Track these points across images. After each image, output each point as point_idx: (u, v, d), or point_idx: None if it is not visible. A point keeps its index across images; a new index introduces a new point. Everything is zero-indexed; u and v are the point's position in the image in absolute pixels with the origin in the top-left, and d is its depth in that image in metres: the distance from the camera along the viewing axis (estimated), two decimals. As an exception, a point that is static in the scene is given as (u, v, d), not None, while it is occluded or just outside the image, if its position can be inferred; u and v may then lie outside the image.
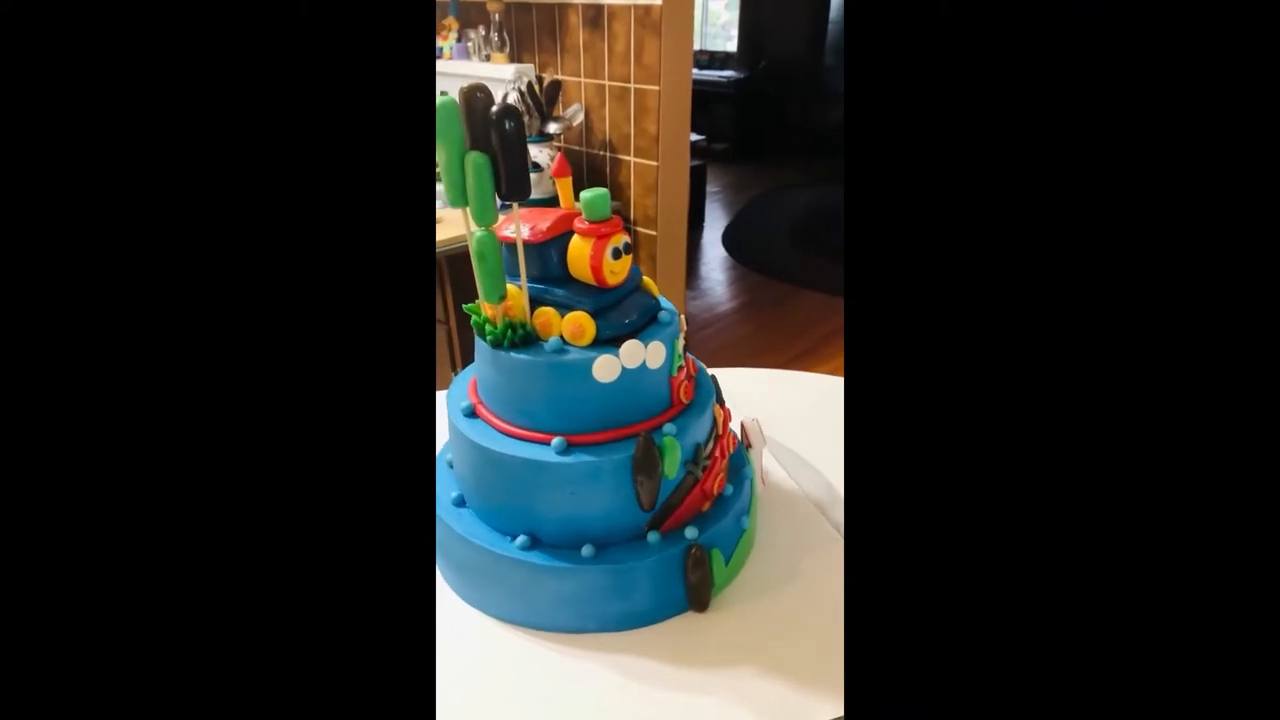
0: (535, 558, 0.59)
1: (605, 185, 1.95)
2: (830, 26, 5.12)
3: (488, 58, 2.02)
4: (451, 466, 0.68)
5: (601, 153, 1.94)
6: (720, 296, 3.13)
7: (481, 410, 0.62)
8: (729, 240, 3.71)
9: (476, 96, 0.51)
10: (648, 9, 1.67)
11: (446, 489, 0.66)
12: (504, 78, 1.90)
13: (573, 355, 0.57)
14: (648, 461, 0.57)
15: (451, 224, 1.62)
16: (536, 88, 1.82)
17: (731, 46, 5.57)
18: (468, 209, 0.55)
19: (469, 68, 2.02)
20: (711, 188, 4.43)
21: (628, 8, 1.71)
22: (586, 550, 0.59)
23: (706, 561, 0.60)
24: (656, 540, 0.60)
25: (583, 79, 1.90)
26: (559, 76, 1.94)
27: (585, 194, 0.56)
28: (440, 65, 2.10)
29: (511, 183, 0.53)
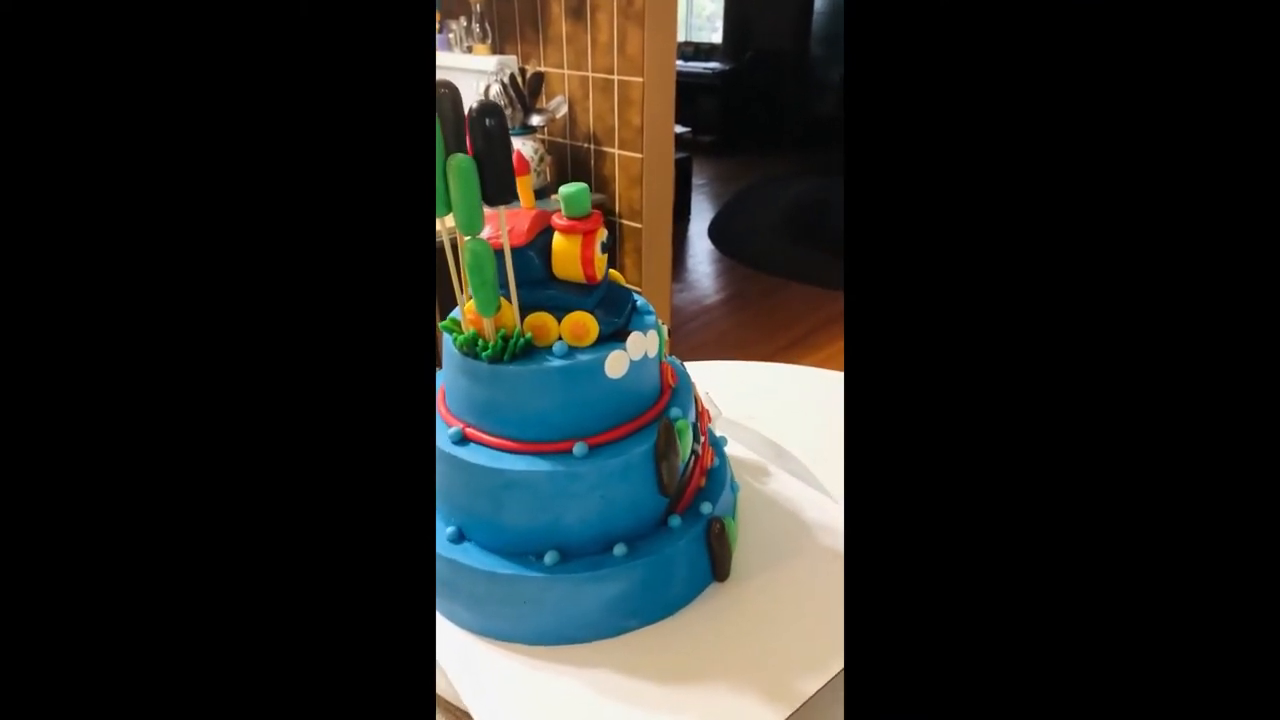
0: (572, 570, 0.57)
1: (589, 178, 1.94)
2: (815, 17, 5.11)
3: (469, 49, 2.00)
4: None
5: (586, 145, 1.93)
6: (707, 289, 3.13)
7: (474, 434, 0.58)
8: (715, 233, 3.71)
9: (441, 94, 0.47)
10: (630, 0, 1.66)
11: (438, 529, 0.61)
12: (486, 69, 1.88)
13: (583, 357, 0.55)
14: (670, 448, 0.58)
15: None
16: (519, 80, 1.80)
17: (717, 38, 5.55)
18: (446, 218, 0.51)
19: (451, 59, 2.00)
20: (698, 180, 4.42)
21: (610, -2, 1.69)
22: (619, 550, 0.58)
23: (725, 531, 0.62)
24: (679, 523, 0.61)
25: (566, 70, 1.88)
26: (542, 68, 1.92)
27: (565, 189, 0.55)
28: (421, 57, 2.08)
29: (496, 185, 0.50)
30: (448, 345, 0.58)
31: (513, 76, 1.78)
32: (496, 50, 2.02)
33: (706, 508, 0.62)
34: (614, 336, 0.57)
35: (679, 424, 0.59)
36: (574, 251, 0.55)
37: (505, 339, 0.54)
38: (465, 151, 0.49)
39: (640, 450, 0.57)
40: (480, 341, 0.55)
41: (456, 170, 0.49)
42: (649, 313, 0.61)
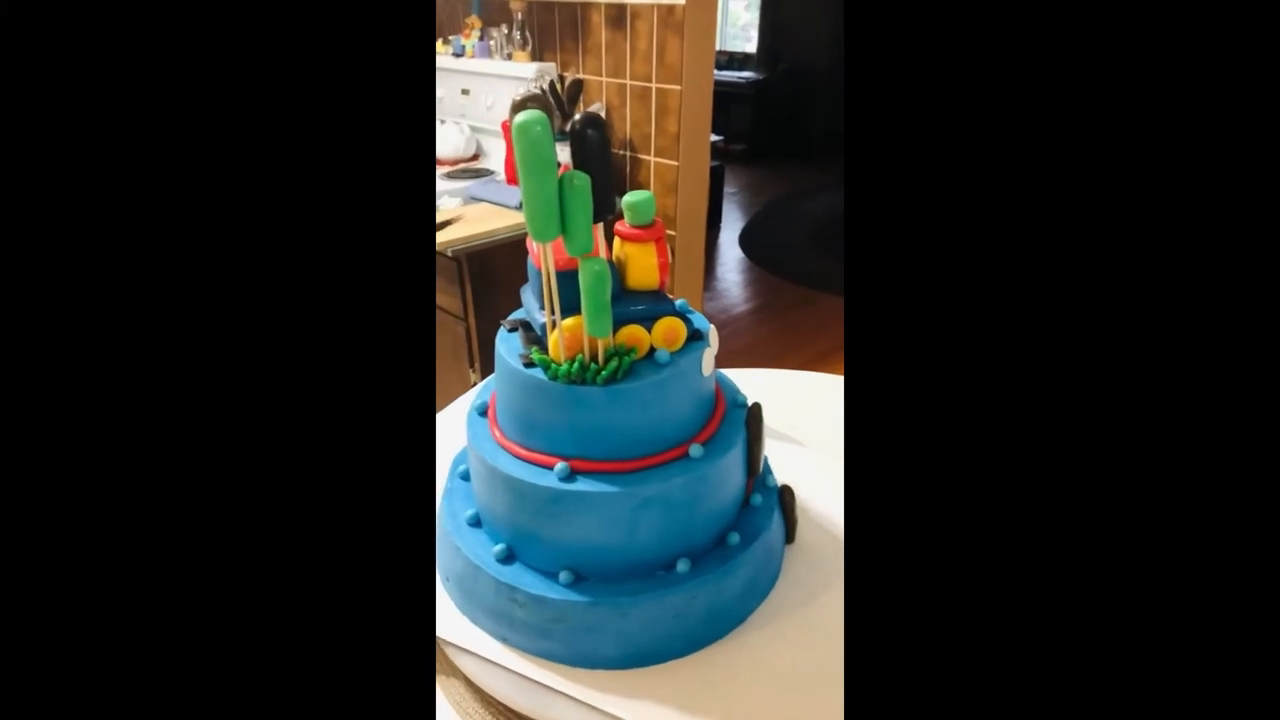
0: (705, 571, 0.55)
1: (625, 185, 1.95)
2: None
3: (509, 56, 2.03)
4: (507, 560, 0.57)
5: (622, 152, 1.94)
6: (736, 298, 3.13)
7: (585, 465, 0.54)
8: (746, 242, 3.70)
9: (526, 108, 0.45)
10: (670, 9, 1.67)
11: (536, 581, 0.55)
12: (526, 76, 1.90)
13: (683, 361, 0.54)
14: (760, 430, 0.59)
15: (473, 222, 1.62)
16: (559, 86, 1.82)
17: (751, 48, 5.55)
18: (554, 242, 0.48)
19: (491, 66, 2.03)
20: (729, 189, 4.42)
21: (650, 7, 1.71)
22: (733, 539, 0.58)
23: (794, 497, 0.64)
24: (760, 500, 0.62)
25: (604, 78, 1.90)
26: (580, 75, 1.95)
27: (631, 197, 0.54)
28: (463, 63, 2.11)
29: (600, 200, 0.47)
30: (524, 382, 0.54)
31: (552, 83, 1.81)
32: (536, 57, 2.05)
33: (771, 480, 0.64)
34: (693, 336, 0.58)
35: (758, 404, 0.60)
36: (649, 260, 0.55)
37: (616, 357, 0.53)
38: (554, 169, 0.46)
39: (739, 438, 0.58)
40: (592, 366, 0.52)
41: (574, 190, 0.46)
42: (690, 311, 0.62)
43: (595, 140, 0.47)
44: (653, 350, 0.55)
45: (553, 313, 0.53)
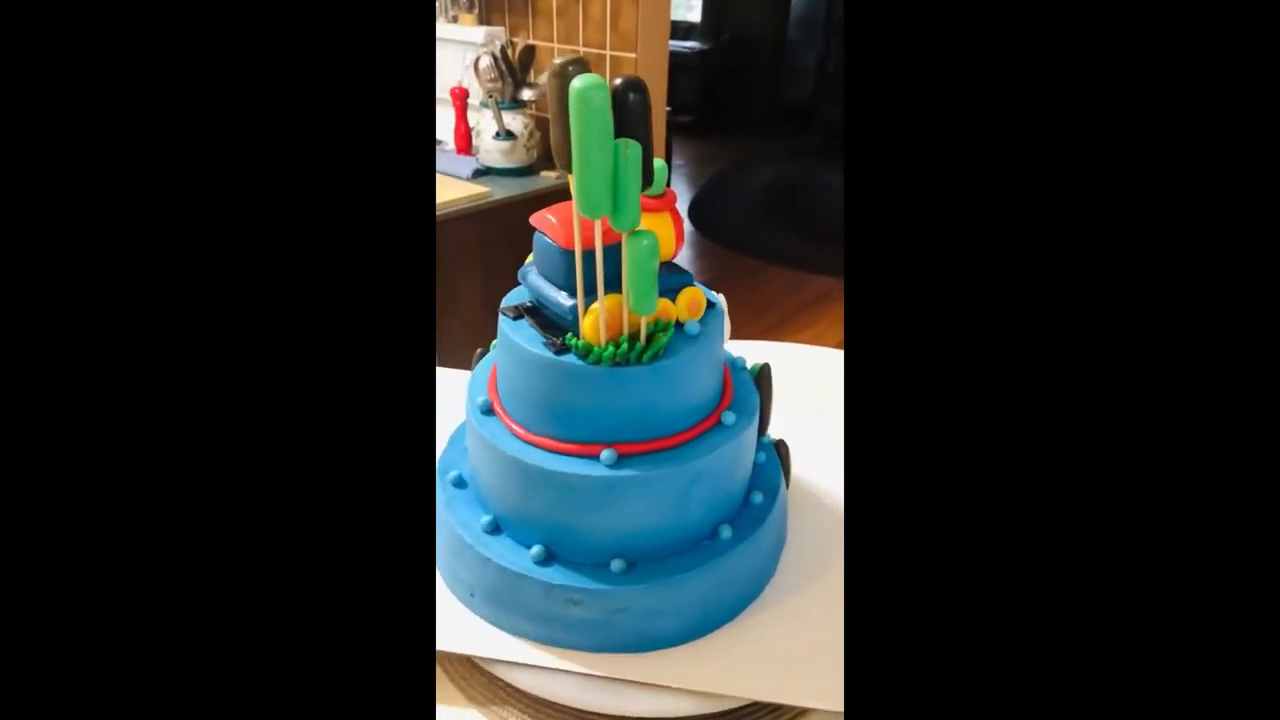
0: (744, 535, 0.55)
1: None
2: (794, 1, 5.10)
3: (454, 19, 1.95)
4: (546, 561, 0.54)
5: (575, 121, 1.90)
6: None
7: (630, 448, 0.52)
8: (695, 214, 3.70)
9: (569, 72, 0.42)
10: (625, -27, 1.63)
11: (588, 577, 0.53)
12: (473, 40, 1.83)
13: (709, 329, 0.54)
14: (770, 386, 0.60)
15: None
16: (509, 52, 1.76)
17: (694, 17, 5.50)
18: (603, 218, 0.45)
19: (436, 29, 1.95)
20: (676, 161, 4.40)
21: (604, -29, 1.66)
22: (757, 498, 0.58)
23: (786, 446, 0.66)
24: (764, 457, 0.63)
25: (556, 44, 1.85)
26: (532, 41, 1.89)
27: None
28: (405, 26, 2.02)
29: (644, 171, 0.45)
30: (556, 370, 0.51)
31: (504, 49, 1.74)
32: (483, 21, 1.97)
33: (766, 436, 0.65)
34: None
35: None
36: (666, 230, 0.53)
37: (658, 332, 0.51)
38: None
39: (755, 399, 0.58)
40: (638, 345, 0.50)
41: (628, 160, 0.43)
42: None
43: (638, 105, 0.43)
44: (679, 323, 0.54)
45: (588, 294, 0.50)
